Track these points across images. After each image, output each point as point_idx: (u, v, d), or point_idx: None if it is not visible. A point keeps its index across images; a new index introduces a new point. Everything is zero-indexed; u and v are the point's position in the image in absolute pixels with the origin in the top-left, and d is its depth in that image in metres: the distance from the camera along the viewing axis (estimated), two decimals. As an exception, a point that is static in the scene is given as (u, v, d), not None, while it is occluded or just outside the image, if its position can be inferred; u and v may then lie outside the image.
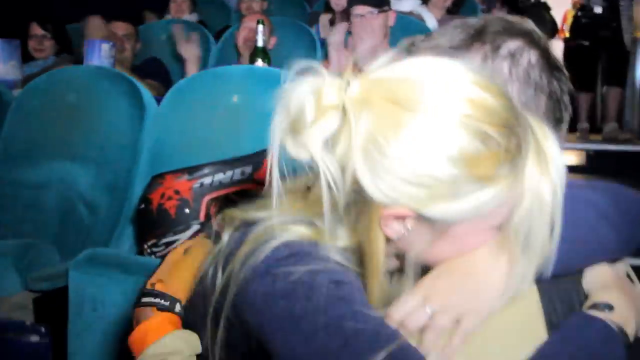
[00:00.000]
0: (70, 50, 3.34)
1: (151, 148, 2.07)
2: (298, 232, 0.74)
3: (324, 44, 2.96)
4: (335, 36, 2.49)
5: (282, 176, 0.73)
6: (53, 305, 1.70)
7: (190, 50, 2.81)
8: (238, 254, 0.75)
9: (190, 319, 0.88)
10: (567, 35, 5.12)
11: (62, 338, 1.69)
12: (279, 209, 0.76)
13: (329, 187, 0.67)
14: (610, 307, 0.73)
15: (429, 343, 0.69)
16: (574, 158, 3.64)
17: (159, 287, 0.91)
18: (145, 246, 1.65)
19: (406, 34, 2.73)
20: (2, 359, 1.01)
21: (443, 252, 0.73)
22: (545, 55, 0.84)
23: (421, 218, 0.68)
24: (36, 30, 3.18)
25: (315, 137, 0.67)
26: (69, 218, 2.08)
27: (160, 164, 1.96)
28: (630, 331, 0.73)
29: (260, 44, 2.15)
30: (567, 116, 0.87)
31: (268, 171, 0.72)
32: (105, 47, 2.38)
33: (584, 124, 4.67)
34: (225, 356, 0.80)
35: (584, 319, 0.73)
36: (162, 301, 0.89)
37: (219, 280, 0.77)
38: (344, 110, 0.66)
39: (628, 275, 0.85)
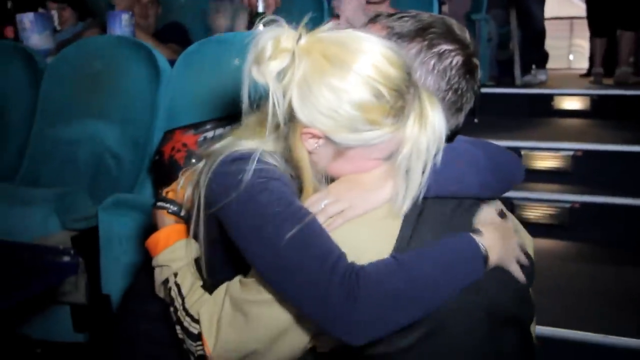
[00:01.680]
0: (92, 14, 3.57)
1: (166, 106, 2.35)
2: (244, 145, 1.04)
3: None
4: None
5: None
6: (88, 242, 2.02)
7: (217, 23, 3.02)
8: (204, 168, 1.05)
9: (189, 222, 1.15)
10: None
11: (96, 268, 2.04)
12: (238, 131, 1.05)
13: (274, 105, 0.94)
14: (480, 232, 1.00)
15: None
16: (578, 103, 3.75)
17: (170, 195, 1.19)
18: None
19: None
20: (42, 276, 1.33)
21: (341, 169, 1.02)
22: (467, 61, 1.07)
23: (328, 139, 0.97)
24: (52, 5, 3.43)
25: (271, 69, 0.94)
26: (99, 169, 2.40)
27: (174, 120, 2.24)
28: (492, 257, 0.99)
29: (260, 9, 2.36)
30: (467, 107, 1.11)
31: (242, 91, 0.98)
32: (125, 17, 2.64)
33: (598, 69, 4.72)
34: (211, 251, 1.09)
35: (459, 234, 1.00)
36: (171, 206, 1.17)
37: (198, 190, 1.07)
38: (293, 54, 0.94)
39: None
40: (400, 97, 0.93)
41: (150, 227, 1.22)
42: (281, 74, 0.94)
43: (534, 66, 4.72)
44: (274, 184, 0.98)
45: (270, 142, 1.02)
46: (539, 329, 1.88)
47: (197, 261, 1.13)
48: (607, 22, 4.68)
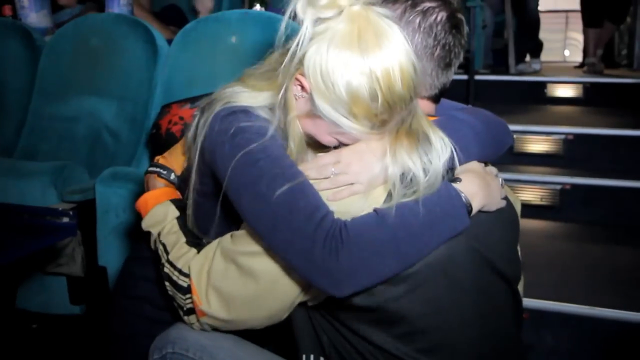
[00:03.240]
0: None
1: (164, 83, 2.37)
2: (240, 96, 1.07)
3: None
4: None
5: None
6: (85, 214, 2.04)
7: (203, 4, 3.05)
8: (201, 121, 1.09)
9: (182, 185, 1.20)
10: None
11: (93, 239, 2.07)
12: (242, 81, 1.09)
13: (298, 44, 0.97)
14: (460, 180, 1.02)
15: (324, 188, 0.99)
16: (570, 91, 3.80)
17: (161, 161, 1.25)
18: (158, 164, 1.98)
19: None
20: (43, 235, 1.36)
21: (306, 127, 1.04)
22: (452, 16, 1.10)
23: (311, 97, 0.99)
24: None
25: (316, 13, 0.97)
26: (97, 145, 2.42)
27: (171, 97, 2.25)
28: (475, 204, 1.01)
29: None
30: (456, 62, 1.14)
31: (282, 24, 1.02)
32: (124, -4, 2.67)
33: (591, 59, 4.78)
34: (199, 200, 1.13)
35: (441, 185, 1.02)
36: (162, 170, 1.23)
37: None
38: (340, 13, 0.96)
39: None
40: (388, 112, 0.96)
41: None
42: (318, 21, 0.97)
43: (528, 55, 4.76)
44: (267, 139, 1.01)
45: (272, 93, 1.05)
46: (530, 302, 1.93)
47: (187, 218, 1.16)
48: (599, 12, 4.74)
